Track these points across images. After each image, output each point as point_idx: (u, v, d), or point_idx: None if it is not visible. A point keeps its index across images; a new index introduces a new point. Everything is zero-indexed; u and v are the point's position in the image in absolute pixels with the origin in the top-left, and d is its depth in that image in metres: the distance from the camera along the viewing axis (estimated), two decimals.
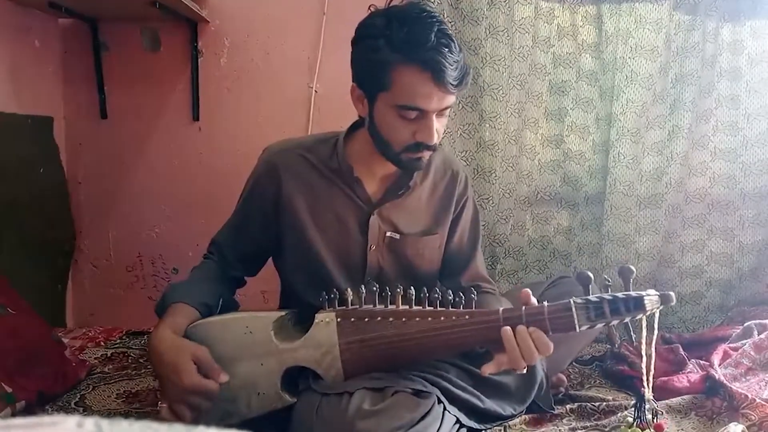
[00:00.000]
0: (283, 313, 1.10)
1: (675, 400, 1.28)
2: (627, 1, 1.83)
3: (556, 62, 1.90)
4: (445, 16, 1.79)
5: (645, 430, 1.02)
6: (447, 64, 1.00)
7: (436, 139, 1.07)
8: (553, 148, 1.95)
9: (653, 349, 0.96)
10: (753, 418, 1.15)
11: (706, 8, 1.83)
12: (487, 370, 0.97)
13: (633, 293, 0.92)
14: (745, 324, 1.59)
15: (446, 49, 1.01)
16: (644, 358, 0.97)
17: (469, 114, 1.87)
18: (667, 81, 1.87)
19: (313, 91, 1.95)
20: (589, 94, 1.91)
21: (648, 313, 0.92)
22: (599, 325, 0.94)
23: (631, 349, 1.50)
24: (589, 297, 0.94)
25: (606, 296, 0.93)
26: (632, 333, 1.00)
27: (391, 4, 1.20)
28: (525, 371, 0.97)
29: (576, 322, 0.93)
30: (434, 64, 1.00)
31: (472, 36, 1.82)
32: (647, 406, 1.02)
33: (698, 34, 1.84)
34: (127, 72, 1.96)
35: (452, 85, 1.02)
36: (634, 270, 0.97)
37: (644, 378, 0.98)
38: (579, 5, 1.86)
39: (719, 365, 1.39)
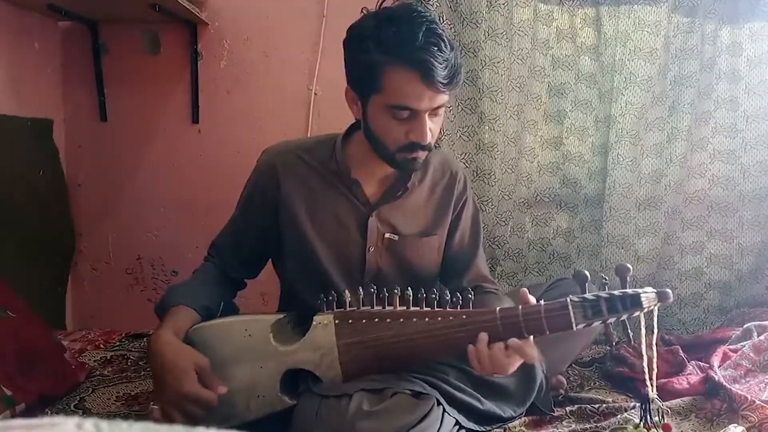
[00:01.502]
0: (281, 315, 1.10)
1: (675, 402, 1.27)
2: (626, 3, 1.83)
3: (555, 64, 1.90)
4: (444, 18, 1.80)
5: (651, 430, 1.02)
6: (436, 63, 1.00)
7: (429, 139, 1.08)
8: (552, 150, 1.95)
9: (654, 349, 0.96)
10: (753, 419, 1.15)
11: (705, 10, 1.83)
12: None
13: (630, 291, 0.91)
14: (745, 326, 1.59)
15: (435, 48, 1.00)
16: (645, 358, 0.96)
17: (469, 116, 1.87)
18: (666, 83, 1.87)
19: (313, 93, 1.95)
20: (588, 96, 1.91)
21: (645, 310, 0.91)
22: (596, 324, 0.94)
23: (631, 350, 1.50)
24: (585, 295, 0.94)
25: (603, 294, 0.92)
26: (630, 332, 1.00)
27: (382, 6, 1.20)
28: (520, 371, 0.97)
29: (573, 320, 0.92)
30: (423, 64, 0.99)
31: (472, 38, 1.82)
32: (653, 406, 1.01)
33: (697, 36, 1.85)
34: (127, 74, 1.97)
35: (442, 84, 1.02)
36: (631, 268, 0.97)
37: (647, 378, 0.97)
38: (578, 8, 1.87)
39: (719, 367, 1.39)
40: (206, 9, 1.91)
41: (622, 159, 1.87)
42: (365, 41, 1.04)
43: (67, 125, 1.99)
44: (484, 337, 0.94)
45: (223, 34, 1.95)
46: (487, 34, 1.83)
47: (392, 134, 1.07)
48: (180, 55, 1.96)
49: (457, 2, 1.82)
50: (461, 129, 1.88)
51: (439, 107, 1.06)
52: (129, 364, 1.57)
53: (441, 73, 1.00)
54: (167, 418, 0.96)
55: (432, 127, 1.08)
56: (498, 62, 1.84)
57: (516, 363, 0.96)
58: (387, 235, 1.19)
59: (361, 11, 1.11)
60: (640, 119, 1.86)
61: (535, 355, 0.95)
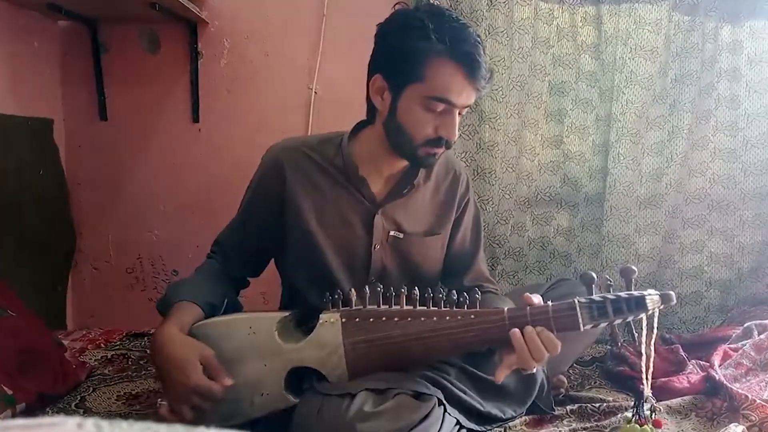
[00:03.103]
0: (286, 313, 1.10)
1: (675, 401, 1.28)
2: (626, 1, 1.84)
3: (556, 63, 1.90)
4: None
5: (644, 426, 1.03)
6: (481, 61, 1.05)
7: (456, 136, 1.10)
8: (552, 149, 1.95)
9: (653, 349, 0.97)
10: (753, 418, 1.15)
11: (706, 9, 1.83)
12: (501, 375, 0.97)
13: (635, 293, 0.94)
14: (745, 324, 1.59)
15: (481, 48, 1.06)
16: (644, 357, 0.98)
17: (469, 115, 1.87)
18: (666, 81, 1.87)
19: (313, 93, 1.95)
20: (589, 95, 1.91)
21: (650, 312, 0.93)
22: (602, 325, 0.96)
23: (632, 350, 1.50)
24: (592, 297, 0.95)
25: (609, 296, 0.94)
26: (635, 333, 1.01)
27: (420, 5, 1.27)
28: (534, 371, 0.97)
29: (580, 321, 0.94)
30: (473, 59, 1.04)
31: None
32: (646, 404, 1.03)
33: (697, 35, 1.85)
34: (127, 73, 1.96)
35: (483, 81, 1.07)
36: (636, 270, 0.99)
37: (643, 376, 0.99)
38: (578, 6, 1.87)
39: (719, 366, 1.39)
40: (206, 8, 1.91)
41: (622, 158, 1.87)
42: (417, 30, 1.05)
43: (67, 124, 1.98)
44: (517, 331, 0.95)
45: (223, 33, 1.95)
46: (487, 32, 1.83)
47: (422, 127, 1.08)
48: (180, 54, 1.95)
49: (457, 0, 1.82)
50: (461, 128, 1.87)
51: (467, 106, 1.09)
52: (130, 363, 1.57)
53: (483, 71, 1.06)
54: (176, 414, 0.96)
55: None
56: (498, 61, 1.84)
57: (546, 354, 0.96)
58: (392, 233, 1.19)
59: (394, 6, 1.16)
60: (640, 118, 1.86)
61: (559, 345, 0.95)
